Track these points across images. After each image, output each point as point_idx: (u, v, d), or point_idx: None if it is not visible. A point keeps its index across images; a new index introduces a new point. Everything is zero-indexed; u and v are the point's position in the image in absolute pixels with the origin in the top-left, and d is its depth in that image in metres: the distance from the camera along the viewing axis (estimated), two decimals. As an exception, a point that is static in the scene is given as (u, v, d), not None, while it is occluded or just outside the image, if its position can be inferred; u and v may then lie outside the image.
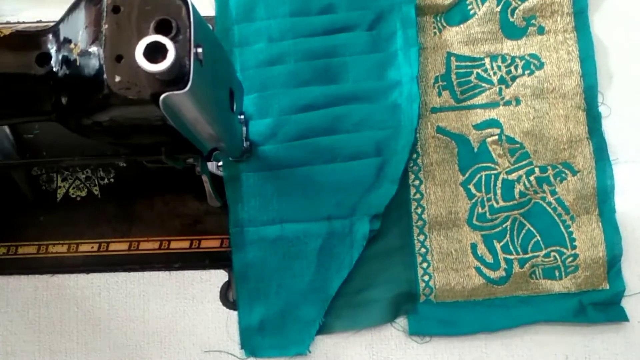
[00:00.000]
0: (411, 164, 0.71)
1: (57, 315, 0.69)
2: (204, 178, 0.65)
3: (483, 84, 0.72)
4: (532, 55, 0.72)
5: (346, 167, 0.69)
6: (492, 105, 0.72)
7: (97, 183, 0.72)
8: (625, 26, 0.74)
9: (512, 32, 0.73)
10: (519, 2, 0.73)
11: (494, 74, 0.72)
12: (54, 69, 0.50)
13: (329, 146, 0.69)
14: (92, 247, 0.70)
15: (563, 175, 0.70)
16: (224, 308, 0.69)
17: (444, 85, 0.72)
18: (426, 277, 0.69)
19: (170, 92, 0.46)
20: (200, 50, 0.47)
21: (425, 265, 0.69)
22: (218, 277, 0.70)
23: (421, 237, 0.69)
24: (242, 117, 0.67)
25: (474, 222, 0.70)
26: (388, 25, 0.72)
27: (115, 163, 0.72)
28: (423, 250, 0.69)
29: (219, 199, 0.69)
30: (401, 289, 0.68)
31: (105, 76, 0.47)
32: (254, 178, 0.69)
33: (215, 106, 0.54)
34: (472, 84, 0.72)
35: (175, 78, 0.46)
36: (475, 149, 0.71)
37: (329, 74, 0.71)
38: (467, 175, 0.70)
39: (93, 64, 0.48)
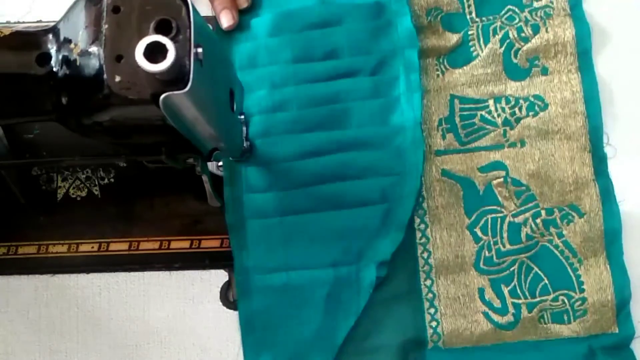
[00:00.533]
0: (417, 208, 0.70)
1: (57, 315, 0.69)
2: (204, 178, 0.65)
3: (487, 126, 0.72)
4: (536, 97, 0.72)
5: (351, 214, 0.68)
6: (497, 147, 0.71)
7: (97, 183, 0.72)
8: (629, 66, 0.73)
9: (515, 73, 0.73)
10: (522, 43, 0.73)
11: (498, 115, 0.72)
12: (54, 69, 0.50)
13: (334, 193, 0.68)
14: (92, 247, 0.70)
15: (570, 217, 0.69)
16: (224, 308, 0.69)
17: (448, 128, 0.72)
18: (434, 324, 0.68)
19: (171, 92, 0.46)
20: (200, 50, 0.47)
21: (432, 311, 0.68)
22: (218, 277, 0.70)
23: (428, 282, 0.69)
24: (242, 117, 0.67)
25: (481, 266, 0.69)
26: (391, 70, 0.72)
27: (116, 163, 0.72)
28: (430, 295, 0.68)
29: (219, 199, 0.69)
30: (409, 336, 0.67)
31: (105, 76, 0.47)
32: (258, 225, 0.68)
33: (216, 106, 0.54)
34: (476, 126, 0.72)
35: (176, 78, 0.46)
36: (481, 192, 0.70)
37: (332, 120, 0.70)
38: (473, 218, 0.70)
39: (93, 64, 0.48)
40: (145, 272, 0.70)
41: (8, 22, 0.74)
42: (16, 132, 0.70)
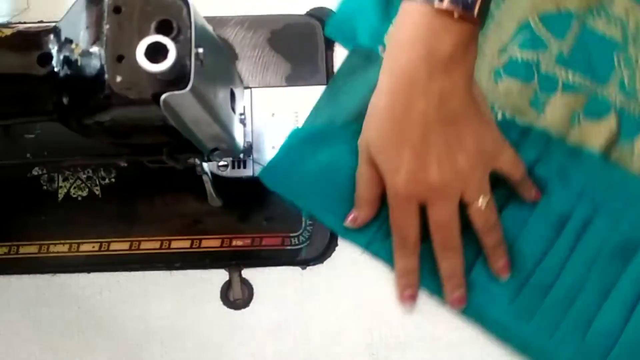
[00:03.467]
0: None
1: (58, 314, 0.69)
2: (205, 178, 0.65)
3: None
4: None
5: None
6: None
7: (98, 183, 0.72)
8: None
9: None
10: None
11: None
12: (55, 69, 0.51)
13: None
14: (93, 247, 0.70)
15: None
16: (224, 308, 0.69)
17: None
18: None
19: (172, 92, 0.46)
20: (201, 50, 0.47)
21: None
22: (218, 277, 0.70)
23: None
24: (243, 116, 0.68)
25: None
26: None
27: (117, 163, 0.72)
28: None
29: (220, 198, 0.69)
30: None
31: (106, 76, 0.47)
32: None
33: (216, 106, 0.54)
34: None
35: (176, 78, 0.46)
36: None
37: None
38: None
39: (94, 64, 0.48)
40: (145, 272, 0.70)
41: (9, 22, 0.74)
42: (17, 132, 0.71)
